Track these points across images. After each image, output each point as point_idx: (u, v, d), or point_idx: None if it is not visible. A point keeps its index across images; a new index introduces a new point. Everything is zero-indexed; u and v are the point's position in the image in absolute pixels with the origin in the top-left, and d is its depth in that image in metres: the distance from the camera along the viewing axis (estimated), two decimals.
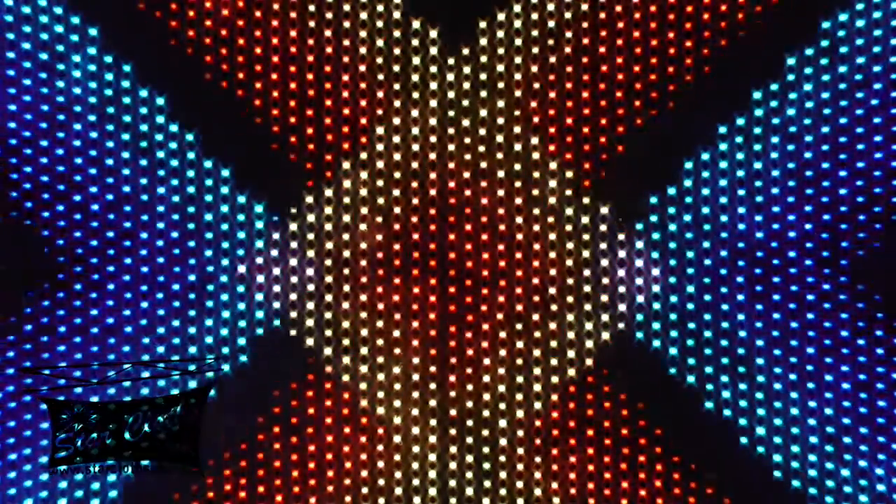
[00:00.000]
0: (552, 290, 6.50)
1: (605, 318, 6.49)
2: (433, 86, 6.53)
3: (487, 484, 6.45)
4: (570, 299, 6.50)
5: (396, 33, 6.51)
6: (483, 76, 6.52)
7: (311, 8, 6.48)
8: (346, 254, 6.51)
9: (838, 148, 6.16)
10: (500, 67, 6.52)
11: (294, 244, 6.47)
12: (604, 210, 6.48)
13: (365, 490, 6.44)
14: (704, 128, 6.40)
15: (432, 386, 6.50)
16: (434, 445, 6.48)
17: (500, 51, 6.51)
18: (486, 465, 6.46)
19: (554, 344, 6.50)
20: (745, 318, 6.32)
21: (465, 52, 6.52)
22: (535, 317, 6.50)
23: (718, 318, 6.38)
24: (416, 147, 6.54)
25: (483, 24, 6.51)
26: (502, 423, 6.49)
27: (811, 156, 6.23)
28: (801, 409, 6.20)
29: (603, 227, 6.49)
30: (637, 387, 6.45)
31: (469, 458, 6.48)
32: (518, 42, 6.51)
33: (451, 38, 6.52)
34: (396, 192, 6.52)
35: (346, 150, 6.51)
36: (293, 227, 6.47)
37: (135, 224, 6.28)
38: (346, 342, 6.50)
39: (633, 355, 6.46)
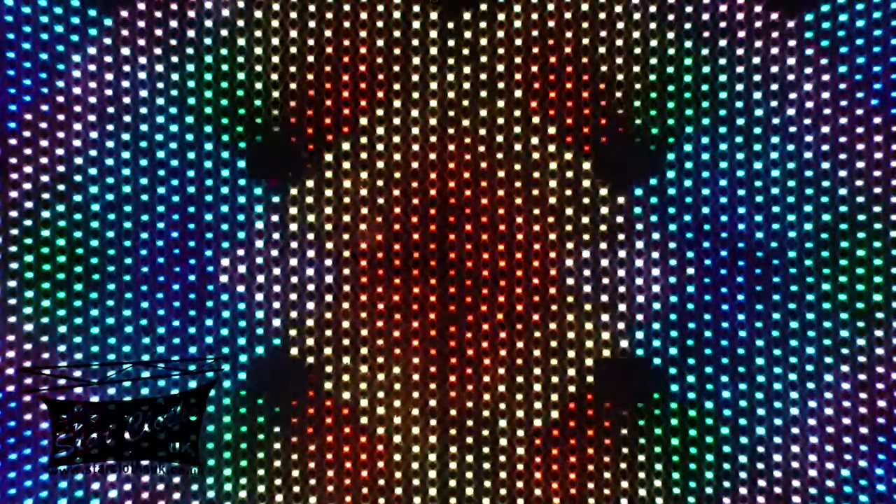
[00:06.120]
0: (552, 290, 6.50)
1: (605, 318, 6.50)
2: (433, 86, 6.53)
3: (487, 484, 6.45)
4: (570, 299, 6.50)
5: (396, 33, 6.51)
6: (483, 76, 6.52)
7: (312, 8, 6.48)
8: (346, 254, 6.51)
9: (838, 148, 6.16)
10: (500, 67, 6.52)
11: (294, 244, 6.47)
12: (604, 210, 6.48)
13: (365, 490, 6.44)
14: (703, 129, 6.41)
15: (432, 386, 6.50)
16: (434, 445, 6.48)
17: (501, 51, 6.51)
18: (486, 465, 6.46)
19: (554, 344, 6.50)
20: (745, 318, 6.32)
21: (465, 52, 6.52)
22: (535, 317, 6.50)
23: (718, 318, 6.38)
24: (416, 147, 6.54)
25: (483, 24, 6.51)
26: (502, 423, 6.49)
27: (811, 156, 6.22)
28: (801, 409, 6.20)
29: (603, 227, 6.49)
30: (637, 387, 6.45)
31: (469, 458, 6.48)
32: (518, 42, 6.51)
33: (451, 37, 6.51)
34: (396, 192, 6.52)
35: (346, 150, 6.51)
36: (293, 227, 6.47)
37: (135, 224, 6.28)
38: (346, 342, 6.50)
39: (632, 355, 6.47)
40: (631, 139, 6.46)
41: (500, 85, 6.52)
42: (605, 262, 6.50)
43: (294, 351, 6.46)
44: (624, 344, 6.48)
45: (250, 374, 6.41)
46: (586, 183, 6.50)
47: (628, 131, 6.46)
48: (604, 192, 6.49)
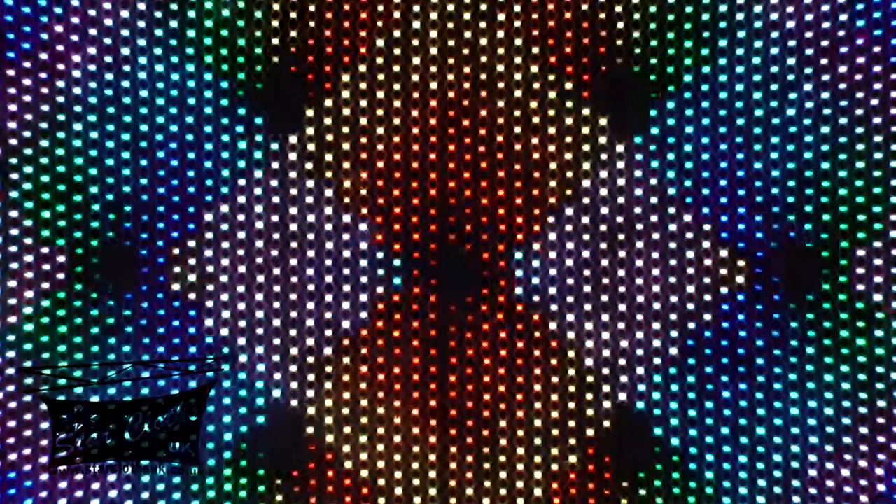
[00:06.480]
0: (552, 290, 6.50)
1: (605, 317, 6.49)
2: (433, 86, 6.53)
3: (487, 484, 6.45)
4: (570, 299, 6.50)
5: (396, 33, 6.51)
6: (483, 76, 6.52)
7: (312, 8, 6.48)
8: (346, 254, 6.51)
9: (838, 148, 6.16)
10: (501, 67, 6.53)
11: (294, 244, 6.47)
12: (604, 210, 6.48)
13: (365, 490, 6.44)
14: (703, 129, 6.41)
15: (432, 386, 6.50)
16: (434, 445, 6.48)
17: (500, 51, 6.51)
18: (486, 465, 6.46)
19: (554, 344, 6.50)
20: (745, 318, 6.32)
21: (465, 52, 6.52)
22: (535, 317, 6.50)
23: (718, 319, 6.38)
24: (416, 147, 6.54)
25: (483, 25, 6.51)
26: (502, 423, 6.49)
27: (811, 156, 6.22)
28: (801, 409, 6.20)
29: (603, 227, 6.49)
30: (636, 386, 6.45)
31: (469, 458, 6.48)
32: (518, 42, 6.51)
33: (451, 37, 6.52)
34: (396, 192, 6.52)
35: (346, 150, 6.51)
36: (293, 226, 6.47)
37: (135, 224, 6.28)
38: (346, 343, 6.50)
39: (632, 355, 6.47)
40: (629, 137, 6.47)
41: (500, 85, 6.52)
42: (605, 262, 6.50)
43: (294, 351, 6.46)
44: (624, 344, 6.48)
45: (250, 373, 6.41)
46: (586, 183, 6.50)
47: (627, 130, 6.47)
48: (604, 192, 6.49)
